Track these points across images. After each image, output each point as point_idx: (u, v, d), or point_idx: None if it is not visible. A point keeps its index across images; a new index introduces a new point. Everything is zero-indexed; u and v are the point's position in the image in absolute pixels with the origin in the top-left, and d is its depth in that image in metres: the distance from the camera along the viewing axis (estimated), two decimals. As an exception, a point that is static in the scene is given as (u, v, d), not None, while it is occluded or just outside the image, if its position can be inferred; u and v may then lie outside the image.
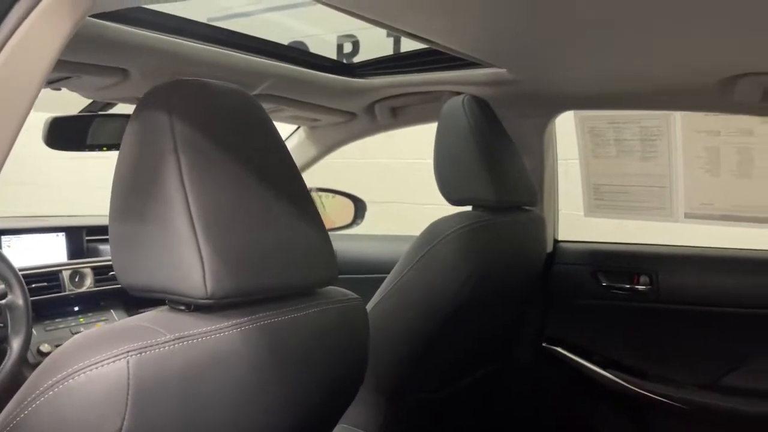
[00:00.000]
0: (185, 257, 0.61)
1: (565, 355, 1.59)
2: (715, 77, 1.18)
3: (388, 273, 1.27)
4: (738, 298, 1.43)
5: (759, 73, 1.14)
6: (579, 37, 1.03)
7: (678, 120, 1.48)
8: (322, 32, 3.07)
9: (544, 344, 1.62)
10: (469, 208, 1.32)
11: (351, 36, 2.96)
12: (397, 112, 1.67)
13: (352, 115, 1.70)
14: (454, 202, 1.30)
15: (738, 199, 1.46)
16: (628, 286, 1.54)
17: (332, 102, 1.61)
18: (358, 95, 1.59)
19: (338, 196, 2.01)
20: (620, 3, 0.82)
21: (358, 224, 1.97)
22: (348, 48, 3.05)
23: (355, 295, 0.82)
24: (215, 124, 0.67)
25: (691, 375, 1.46)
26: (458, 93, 1.38)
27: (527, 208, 1.45)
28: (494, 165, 1.27)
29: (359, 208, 1.99)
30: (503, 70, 1.33)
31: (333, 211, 1.97)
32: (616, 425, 1.56)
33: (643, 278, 1.52)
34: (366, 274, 1.46)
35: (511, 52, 1.20)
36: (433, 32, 1.08)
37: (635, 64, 1.19)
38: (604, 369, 1.53)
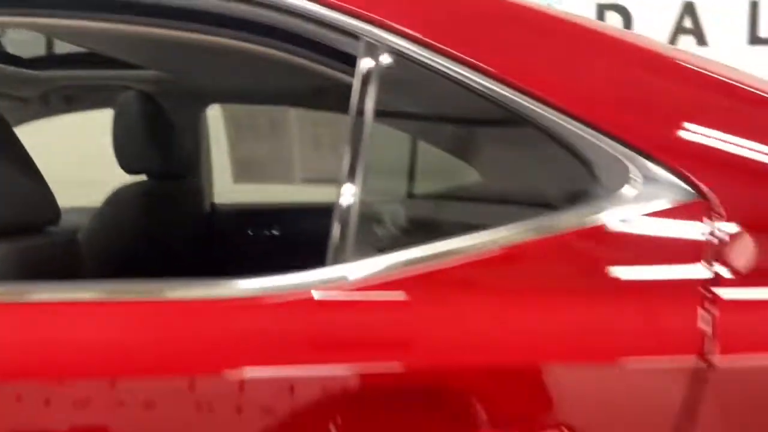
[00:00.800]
0: None
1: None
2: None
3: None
4: None
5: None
6: (205, 50, 1.51)
7: (293, 112, 2.11)
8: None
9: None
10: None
11: None
12: (71, 100, 1.96)
13: (26, 101, 1.92)
14: (130, 171, 1.69)
15: (329, 167, 2.16)
16: (268, 232, 2.13)
17: (4, 89, 1.82)
18: (31, 85, 1.83)
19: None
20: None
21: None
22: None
23: (72, 233, 1.19)
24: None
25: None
26: (128, 87, 1.76)
27: (189, 177, 1.92)
28: (161, 144, 1.69)
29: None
30: (159, 72, 1.76)
31: None
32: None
33: (277, 226, 2.12)
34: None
35: (159, 60, 1.63)
36: (92, 42, 1.46)
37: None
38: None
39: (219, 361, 0.63)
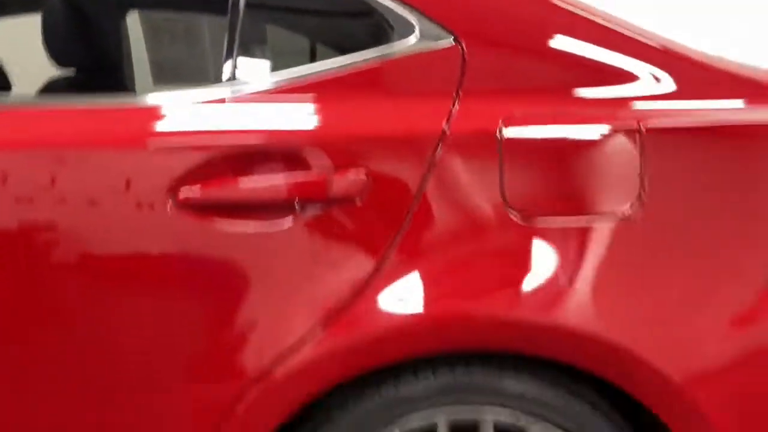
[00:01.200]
0: None
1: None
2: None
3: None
4: None
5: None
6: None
7: (206, 17, 2.37)
8: None
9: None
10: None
11: None
12: (-2, 6, 2.16)
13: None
14: (60, 64, 1.94)
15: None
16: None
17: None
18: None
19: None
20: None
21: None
22: None
23: None
24: None
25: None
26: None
27: (114, 75, 2.18)
28: (86, 40, 1.95)
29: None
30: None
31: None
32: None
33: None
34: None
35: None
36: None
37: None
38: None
39: (146, 136, 0.99)
